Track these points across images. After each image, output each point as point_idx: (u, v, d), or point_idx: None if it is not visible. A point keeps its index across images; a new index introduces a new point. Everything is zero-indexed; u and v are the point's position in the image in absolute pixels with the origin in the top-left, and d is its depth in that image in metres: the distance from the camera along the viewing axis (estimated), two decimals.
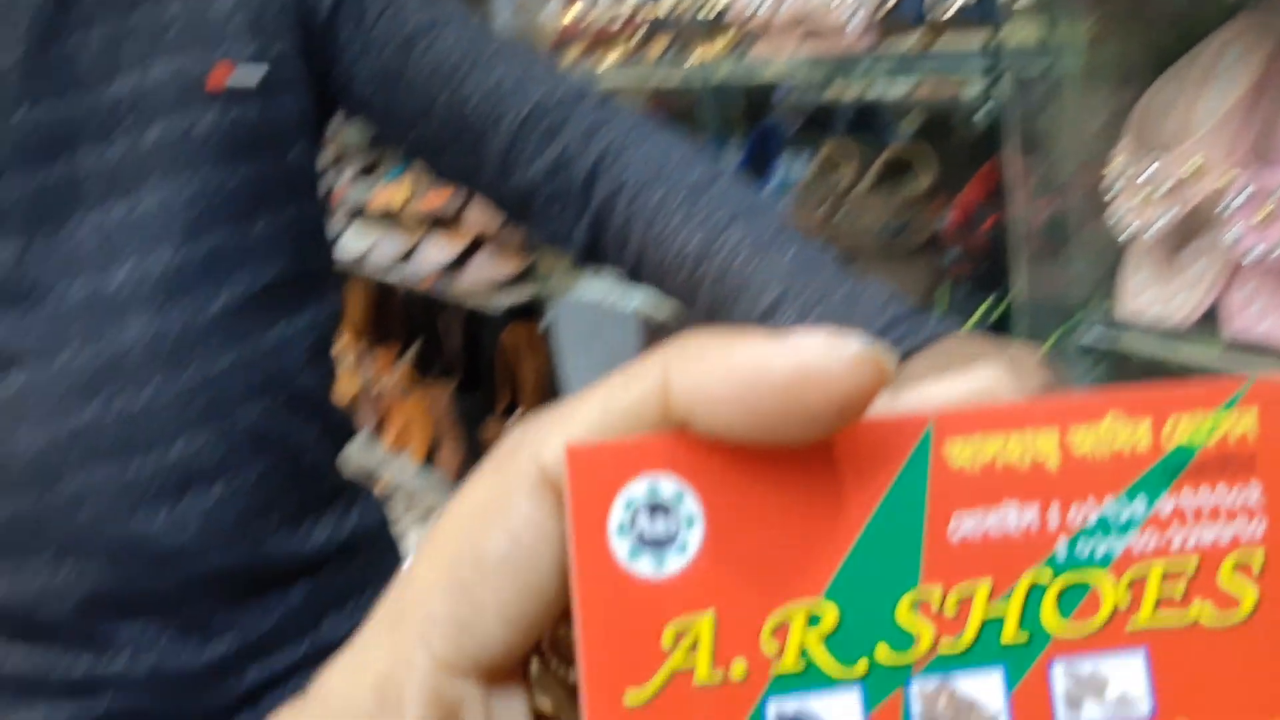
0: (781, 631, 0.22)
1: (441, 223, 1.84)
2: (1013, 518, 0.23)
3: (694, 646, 0.22)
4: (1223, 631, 0.23)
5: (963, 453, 0.23)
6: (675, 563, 0.22)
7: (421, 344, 2.09)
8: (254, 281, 0.80)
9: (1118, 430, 0.23)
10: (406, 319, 2.17)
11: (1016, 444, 0.23)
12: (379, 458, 2.22)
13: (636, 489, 0.22)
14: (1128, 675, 0.23)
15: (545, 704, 0.24)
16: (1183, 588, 0.23)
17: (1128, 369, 1.05)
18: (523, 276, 1.68)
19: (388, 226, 2.02)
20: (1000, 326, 1.11)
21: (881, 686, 0.23)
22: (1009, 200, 1.05)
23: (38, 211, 0.76)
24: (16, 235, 0.75)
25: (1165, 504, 0.23)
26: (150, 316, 0.76)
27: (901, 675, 0.23)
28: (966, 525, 0.23)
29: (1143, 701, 0.23)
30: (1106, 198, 0.95)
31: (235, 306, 0.79)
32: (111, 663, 0.80)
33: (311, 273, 0.86)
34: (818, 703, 0.22)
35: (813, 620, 0.23)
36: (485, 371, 1.93)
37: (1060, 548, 0.23)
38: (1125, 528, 0.23)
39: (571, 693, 0.23)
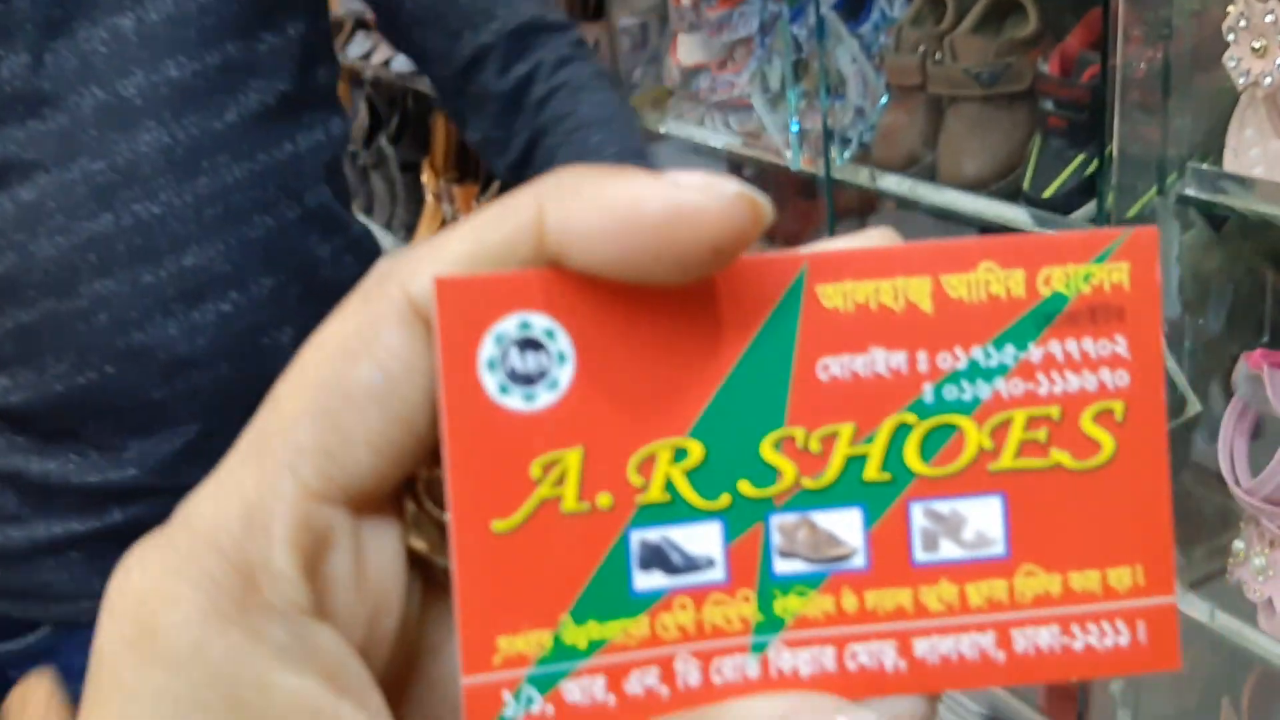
0: (647, 465, 0.23)
1: None
2: (881, 361, 0.23)
3: (561, 479, 0.23)
4: (1081, 477, 0.23)
5: (836, 295, 0.23)
6: (546, 398, 0.23)
7: (503, 182, 2.09)
8: (264, 95, 0.82)
9: (991, 278, 0.23)
10: None
11: (890, 288, 0.23)
12: None
13: (507, 325, 0.22)
14: (985, 517, 0.23)
15: (420, 545, 0.24)
16: (1045, 434, 0.23)
17: (1226, 227, 1.02)
18: None
19: None
20: (1093, 181, 1.08)
21: (743, 519, 0.23)
22: (1113, 49, 1.01)
23: (51, 22, 0.77)
24: (30, 45, 0.77)
25: (1034, 352, 0.23)
26: (162, 126, 0.78)
27: (763, 509, 0.23)
28: (835, 367, 0.23)
29: (998, 543, 0.23)
30: (1218, 47, 0.91)
31: (246, 119, 0.81)
32: (125, 472, 0.84)
33: (319, 89, 0.88)
34: (680, 533, 0.23)
35: (679, 455, 0.23)
36: None
37: (927, 392, 0.23)
38: (993, 374, 0.23)
39: (445, 533, 0.23)
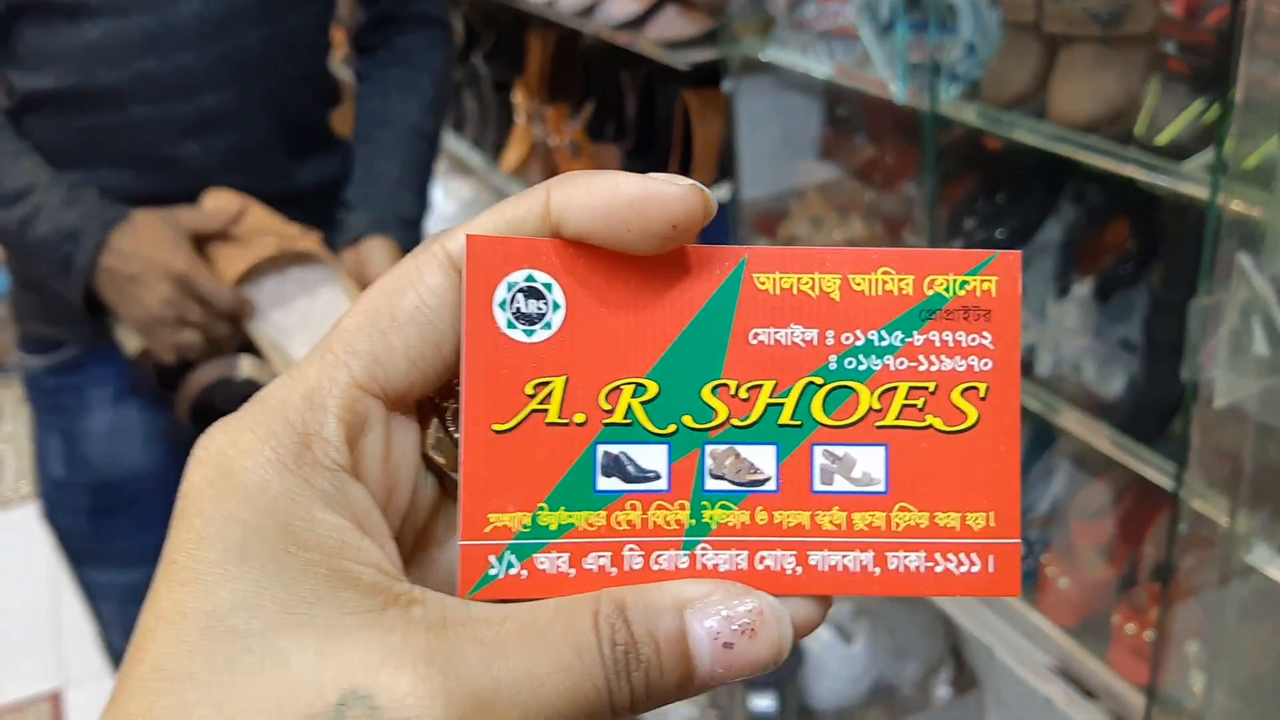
0: (614, 395, 0.29)
1: None
2: (798, 334, 0.30)
3: (548, 397, 0.29)
4: (949, 439, 0.30)
5: (768, 281, 0.30)
6: (541, 335, 0.29)
7: (596, 106, 2.07)
8: None
9: (887, 279, 0.30)
10: (584, 77, 2.15)
11: (809, 280, 0.30)
12: None
13: (517, 276, 0.29)
14: (871, 461, 0.30)
15: (440, 459, 0.31)
16: (923, 402, 0.30)
17: None
18: (709, 37, 1.64)
19: None
20: (1211, 129, 1.05)
21: (685, 444, 0.30)
22: None
23: None
24: None
25: (917, 338, 0.30)
26: None
27: (700, 438, 0.30)
28: (763, 335, 0.30)
29: (880, 483, 0.30)
30: None
31: None
32: None
33: None
34: (635, 450, 0.30)
35: (638, 390, 0.30)
36: (659, 138, 1.91)
37: (832, 361, 0.30)
38: (884, 352, 0.30)
39: (459, 450, 0.30)
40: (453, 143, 2.54)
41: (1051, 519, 1.36)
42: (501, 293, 0.29)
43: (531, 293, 0.29)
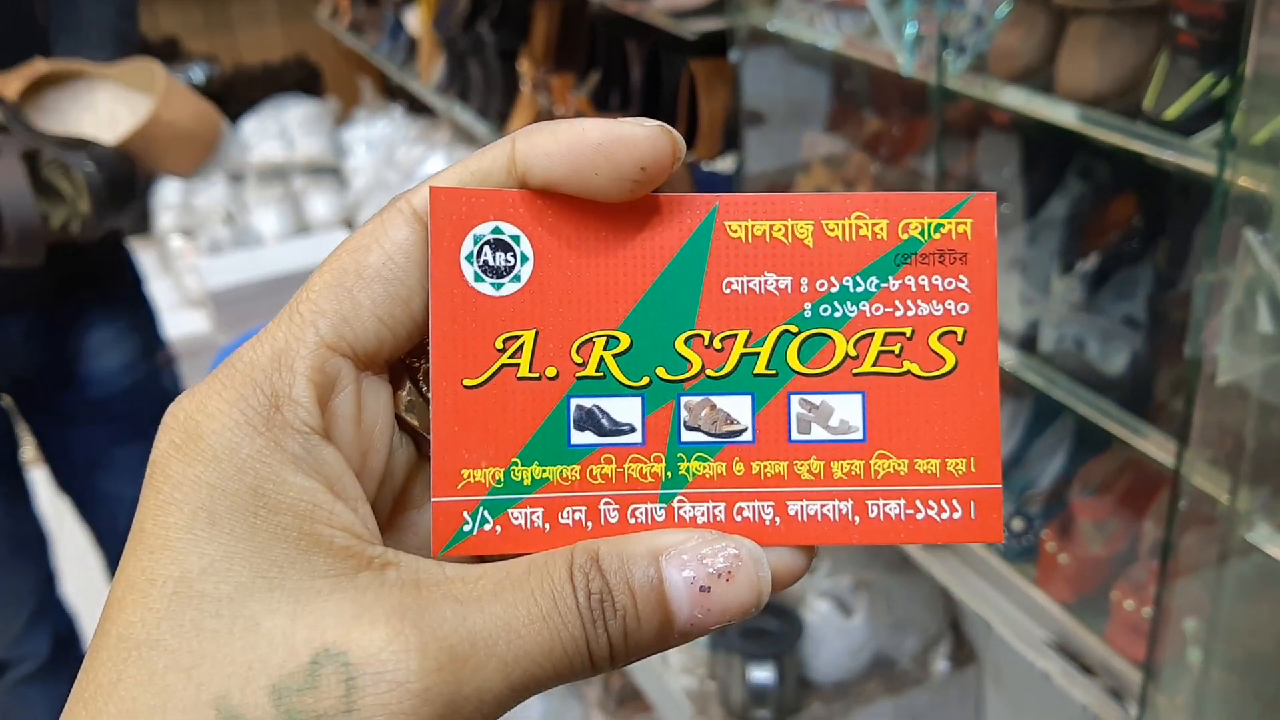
0: (586, 348, 0.29)
1: None
2: (772, 282, 0.29)
3: (519, 351, 0.29)
4: (927, 384, 0.29)
5: (739, 229, 0.29)
6: (510, 288, 0.29)
7: (601, 75, 2.06)
8: None
9: (861, 224, 0.29)
10: (590, 46, 2.14)
11: (781, 227, 0.29)
12: None
13: (483, 229, 0.29)
14: (848, 409, 0.29)
15: (414, 420, 0.31)
16: (900, 347, 0.29)
17: None
18: (716, 6, 1.62)
19: None
20: (1220, 104, 1.04)
21: (659, 397, 0.29)
22: None
23: None
24: None
25: (893, 283, 0.29)
26: None
27: (675, 390, 0.29)
28: (736, 284, 0.29)
29: (858, 431, 0.29)
30: None
31: None
32: None
33: None
34: (609, 403, 0.29)
35: (610, 343, 0.29)
36: (665, 108, 1.90)
37: (807, 309, 0.29)
38: (859, 298, 0.29)
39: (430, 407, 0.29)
40: (458, 111, 2.53)
41: (1052, 495, 1.36)
42: (468, 245, 0.29)
43: (499, 245, 0.29)
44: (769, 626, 1.59)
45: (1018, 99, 1.20)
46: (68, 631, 1.53)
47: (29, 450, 1.51)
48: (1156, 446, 1.10)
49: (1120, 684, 1.19)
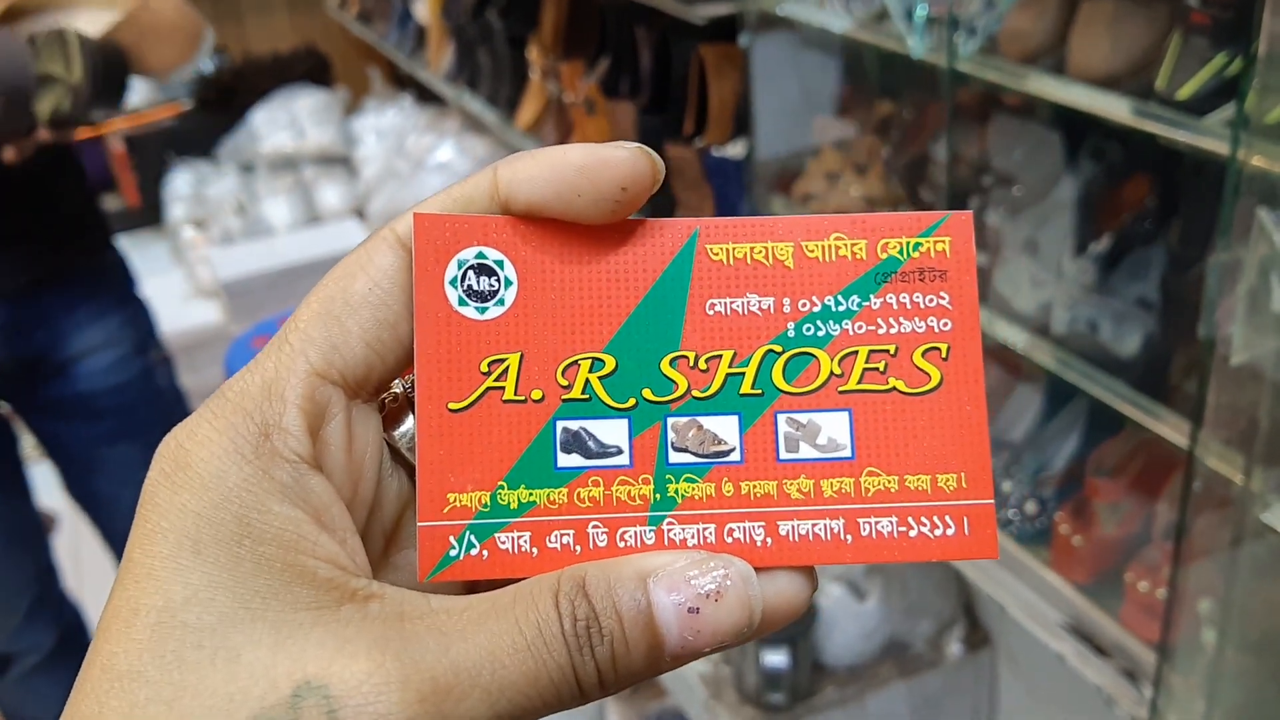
0: (571, 371, 0.29)
1: None
2: (755, 303, 0.29)
3: (504, 374, 0.29)
4: (913, 400, 0.29)
5: (721, 252, 0.29)
6: (494, 312, 0.29)
7: (611, 62, 2.06)
8: None
9: (840, 244, 0.30)
10: (600, 33, 2.13)
11: (762, 249, 0.30)
12: None
13: (467, 254, 0.29)
14: (835, 426, 0.29)
15: (408, 453, 0.30)
16: (884, 365, 0.29)
17: None
18: None
19: None
20: (1233, 83, 1.03)
21: (645, 418, 0.29)
22: None
23: None
24: None
25: (875, 302, 0.29)
26: None
27: (661, 411, 0.29)
28: (719, 306, 0.29)
29: (846, 448, 0.29)
30: None
31: None
32: None
33: None
34: (595, 425, 0.29)
35: (596, 365, 0.29)
36: (674, 94, 1.90)
37: (790, 328, 0.29)
38: (842, 317, 0.29)
39: None
40: (467, 100, 2.53)
41: (1066, 477, 1.35)
42: (452, 270, 0.29)
43: (482, 270, 0.29)
44: None
45: (1028, 81, 1.19)
46: (75, 622, 1.53)
47: (29, 449, 1.52)
48: (1170, 428, 1.09)
49: (1135, 665, 1.19)
